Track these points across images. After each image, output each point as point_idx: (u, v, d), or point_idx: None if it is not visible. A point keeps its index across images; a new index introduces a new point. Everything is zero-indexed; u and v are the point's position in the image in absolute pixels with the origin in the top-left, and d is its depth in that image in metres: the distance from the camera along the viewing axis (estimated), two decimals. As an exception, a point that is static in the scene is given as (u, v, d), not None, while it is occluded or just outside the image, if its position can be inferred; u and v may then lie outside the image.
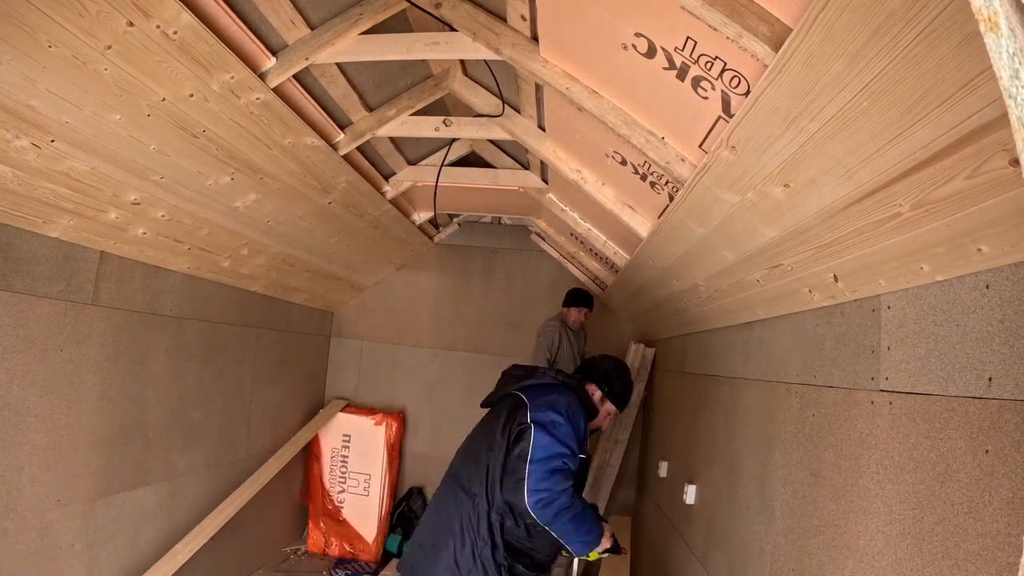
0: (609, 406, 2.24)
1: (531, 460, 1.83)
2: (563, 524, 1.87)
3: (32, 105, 1.72)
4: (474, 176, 3.78)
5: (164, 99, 1.95)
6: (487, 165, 3.84)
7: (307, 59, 2.24)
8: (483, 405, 2.23)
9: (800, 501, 1.63)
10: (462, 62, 2.83)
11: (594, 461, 4.20)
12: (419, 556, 2.02)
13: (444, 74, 2.90)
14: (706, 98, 1.54)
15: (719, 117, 1.55)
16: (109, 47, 1.68)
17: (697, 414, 2.85)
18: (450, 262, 5.02)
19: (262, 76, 2.18)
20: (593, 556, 2.06)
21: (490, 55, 2.21)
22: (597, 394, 2.21)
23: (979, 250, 1.00)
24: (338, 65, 2.49)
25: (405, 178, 3.71)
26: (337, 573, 4.19)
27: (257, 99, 2.19)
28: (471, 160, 3.88)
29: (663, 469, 3.39)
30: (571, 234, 3.97)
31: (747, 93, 1.37)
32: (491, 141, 3.60)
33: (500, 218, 4.99)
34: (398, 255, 4.69)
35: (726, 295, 2.24)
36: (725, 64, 1.38)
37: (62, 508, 2.38)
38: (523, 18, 2.06)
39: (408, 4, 2.20)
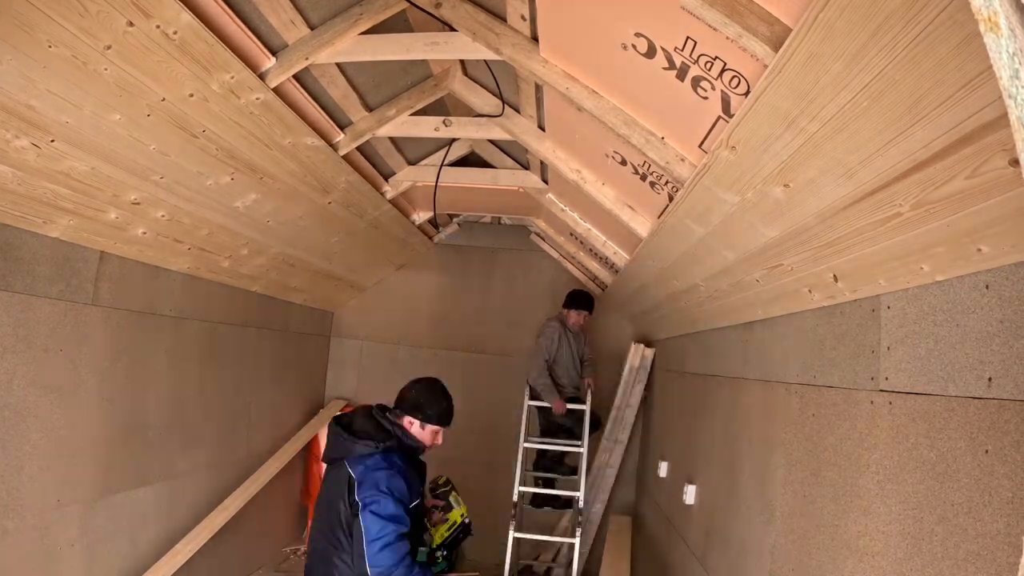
0: (431, 428, 2.26)
1: (366, 541, 2.01)
2: None
3: (32, 105, 1.72)
4: (474, 176, 3.78)
5: (164, 99, 1.95)
6: (487, 165, 3.84)
7: (307, 59, 2.24)
8: (324, 460, 2.31)
9: (800, 501, 1.63)
10: (462, 62, 2.83)
11: (595, 460, 4.20)
12: None
13: (444, 74, 2.90)
14: (706, 98, 1.54)
15: (719, 117, 1.55)
16: (109, 47, 1.68)
17: (697, 414, 2.85)
18: (450, 262, 5.01)
19: (262, 76, 2.18)
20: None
21: (490, 55, 2.21)
22: (415, 424, 2.24)
23: (979, 250, 1.00)
24: (338, 65, 2.49)
25: (405, 178, 3.71)
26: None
27: (257, 99, 2.19)
28: (471, 160, 3.88)
29: (663, 469, 3.39)
30: (571, 234, 3.97)
31: (747, 93, 1.37)
32: (491, 141, 3.60)
33: (500, 218, 4.99)
34: (398, 255, 4.69)
35: (726, 295, 2.24)
36: (725, 64, 1.38)
37: (62, 508, 2.38)
38: (523, 18, 2.06)
39: (408, 4, 2.20)
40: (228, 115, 2.17)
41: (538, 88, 2.55)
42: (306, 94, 2.52)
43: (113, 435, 2.64)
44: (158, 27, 1.71)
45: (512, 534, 3.63)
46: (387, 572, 2.02)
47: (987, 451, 0.96)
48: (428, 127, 3.06)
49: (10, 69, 1.59)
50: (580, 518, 3.68)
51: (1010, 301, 0.95)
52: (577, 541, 3.61)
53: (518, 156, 3.70)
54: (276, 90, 2.25)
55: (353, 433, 2.20)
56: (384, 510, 2.05)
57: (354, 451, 2.16)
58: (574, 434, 3.97)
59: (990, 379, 0.97)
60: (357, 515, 2.05)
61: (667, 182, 2.16)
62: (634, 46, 1.60)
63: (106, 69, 1.74)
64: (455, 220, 4.99)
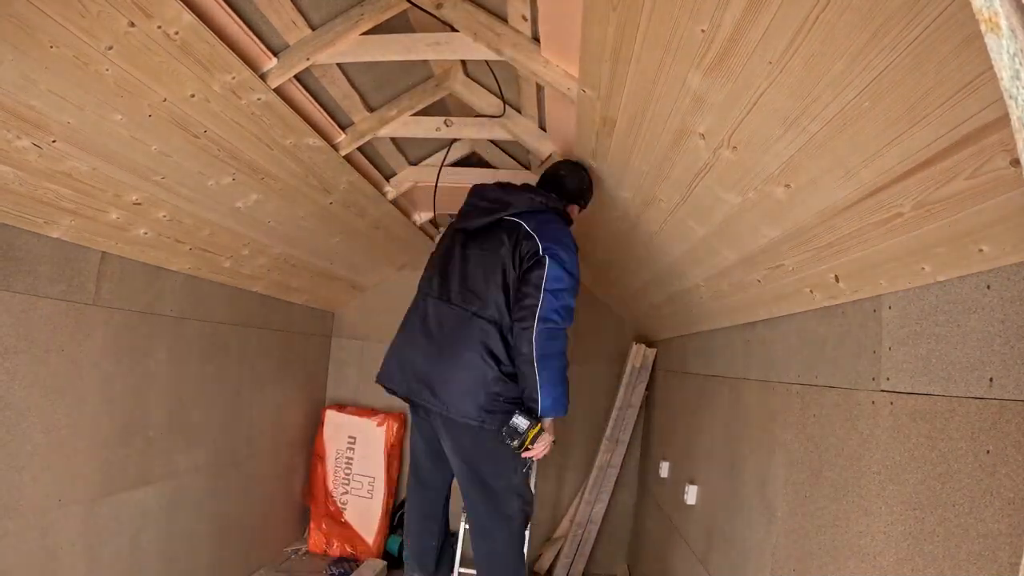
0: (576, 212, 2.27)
1: (545, 289, 1.86)
2: (551, 364, 1.93)
3: (33, 105, 1.73)
4: (475, 176, 3.77)
5: (165, 99, 1.96)
6: (488, 166, 3.84)
7: (308, 59, 2.24)
8: (465, 230, 2.23)
9: (801, 501, 1.63)
10: (463, 62, 2.83)
11: (597, 460, 4.20)
12: (433, 363, 2.17)
13: (445, 75, 2.90)
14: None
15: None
16: (110, 47, 1.68)
17: (698, 414, 2.85)
18: (451, 262, 5.00)
19: (263, 77, 2.18)
20: (532, 433, 2.08)
21: (491, 55, 2.21)
22: (574, 212, 2.27)
23: (980, 250, 1.00)
24: (339, 66, 2.49)
25: (406, 178, 3.71)
26: (333, 571, 4.20)
27: (258, 99, 2.19)
28: (472, 161, 3.88)
29: (664, 469, 3.39)
30: (572, 234, 3.96)
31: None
32: (492, 141, 3.60)
33: (501, 218, 4.98)
34: (399, 255, 4.70)
35: (727, 295, 2.24)
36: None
37: (63, 508, 2.38)
38: (524, 18, 2.06)
39: (409, 4, 2.20)
40: (229, 115, 2.18)
41: (539, 88, 2.55)
42: (307, 94, 2.52)
43: (114, 435, 2.65)
44: (159, 27, 1.71)
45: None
46: (555, 333, 1.87)
47: (988, 451, 0.96)
48: (429, 127, 3.06)
49: (11, 69, 1.59)
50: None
51: (1011, 301, 0.95)
52: (527, 534, 3.56)
53: (519, 156, 3.70)
54: (277, 90, 2.25)
55: (511, 188, 2.11)
56: (569, 266, 1.91)
57: (517, 204, 2.06)
58: None
59: (991, 379, 0.97)
60: (534, 266, 1.91)
61: (668, 182, 2.16)
62: (635, 46, 1.59)
63: (107, 69, 1.74)
64: (456, 220, 4.98)
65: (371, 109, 2.88)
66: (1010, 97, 0.49)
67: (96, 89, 1.79)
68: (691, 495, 2.68)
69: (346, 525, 4.53)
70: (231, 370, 3.54)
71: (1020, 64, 0.47)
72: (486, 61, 2.58)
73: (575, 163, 2.35)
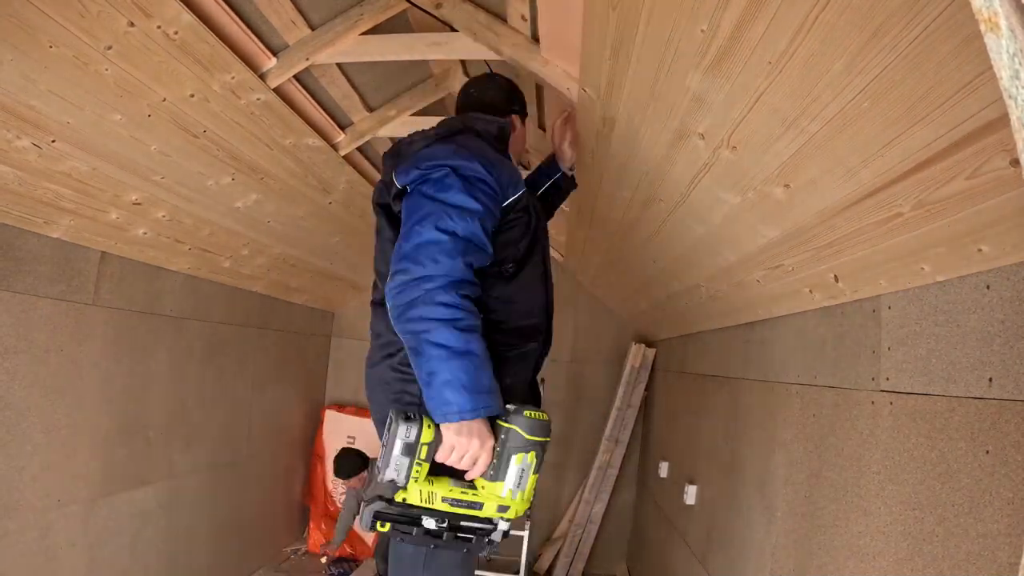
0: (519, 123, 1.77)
1: (401, 232, 1.29)
2: (419, 328, 1.18)
3: (33, 105, 1.73)
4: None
5: (165, 99, 1.96)
6: (488, 165, 3.83)
7: (308, 59, 2.24)
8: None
9: (801, 501, 1.63)
10: (463, 62, 2.83)
11: (596, 460, 4.19)
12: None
13: (444, 74, 2.90)
14: (707, 98, 1.53)
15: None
16: (110, 47, 1.68)
17: (698, 414, 2.85)
18: (451, 262, 5.00)
19: (263, 76, 2.18)
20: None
21: (491, 55, 2.21)
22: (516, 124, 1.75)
23: (980, 250, 1.00)
24: (339, 65, 2.49)
25: (406, 178, 3.70)
26: (332, 571, 4.20)
27: (258, 99, 2.19)
28: (472, 160, 3.87)
29: (663, 469, 3.39)
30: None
31: (748, 93, 1.37)
32: (492, 141, 3.59)
33: (501, 218, 4.98)
34: (399, 255, 4.69)
35: (727, 295, 2.24)
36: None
37: (63, 508, 2.38)
38: (524, 18, 2.06)
39: (409, 4, 2.20)
40: (229, 115, 2.18)
41: (539, 88, 2.55)
42: (307, 94, 2.52)
43: (114, 435, 2.65)
44: (159, 27, 1.71)
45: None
46: (406, 282, 1.20)
47: (988, 451, 0.96)
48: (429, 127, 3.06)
49: (11, 69, 1.59)
50: (529, 510, 3.61)
51: (1011, 301, 0.95)
52: (526, 534, 3.57)
53: (519, 156, 3.69)
54: (277, 90, 2.25)
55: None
56: (442, 192, 1.29)
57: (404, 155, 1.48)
58: None
59: (991, 379, 0.97)
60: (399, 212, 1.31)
61: (668, 182, 2.16)
62: (635, 46, 1.59)
63: (107, 69, 1.74)
64: (456, 220, 4.98)
65: (370, 109, 2.88)
66: (1010, 97, 0.49)
67: (96, 89, 1.79)
68: (690, 495, 2.68)
69: (346, 525, 4.53)
70: (231, 370, 3.54)
71: (1020, 64, 0.47)
72: (486, 61, 2.58)
73: (483, 76, 1.92)
